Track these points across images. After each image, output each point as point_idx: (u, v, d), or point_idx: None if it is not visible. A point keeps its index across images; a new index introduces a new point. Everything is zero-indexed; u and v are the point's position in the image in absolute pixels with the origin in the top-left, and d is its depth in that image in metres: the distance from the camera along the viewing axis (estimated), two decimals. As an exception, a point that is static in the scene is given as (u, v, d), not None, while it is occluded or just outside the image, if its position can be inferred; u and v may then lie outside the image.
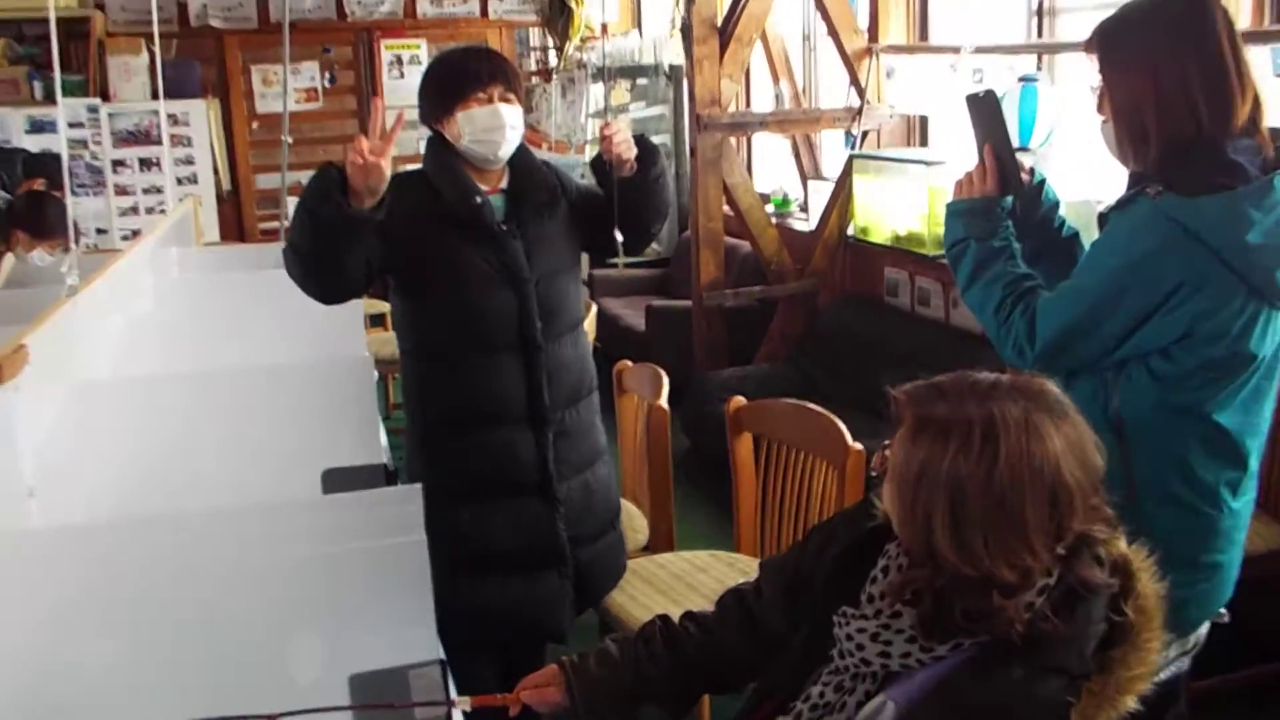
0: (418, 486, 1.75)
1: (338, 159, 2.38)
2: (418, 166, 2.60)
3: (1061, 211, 2.15)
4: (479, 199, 2.54)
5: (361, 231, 2.33)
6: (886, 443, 1.49)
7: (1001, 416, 1.38)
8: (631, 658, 1.76)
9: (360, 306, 3.18)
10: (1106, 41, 1.90)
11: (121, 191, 7.24)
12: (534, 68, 8.29)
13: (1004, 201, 2.03)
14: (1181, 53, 1.81)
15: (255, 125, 8.00)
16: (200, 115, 7.50)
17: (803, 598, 1.64)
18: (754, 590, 1.77)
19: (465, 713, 1.74)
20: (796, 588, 1.67)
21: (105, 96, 7.22)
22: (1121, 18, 1.90)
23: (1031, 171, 2.11)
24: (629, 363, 3.36)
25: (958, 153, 4.68)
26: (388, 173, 2.29)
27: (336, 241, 2.34)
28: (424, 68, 9.04)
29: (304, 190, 2.33)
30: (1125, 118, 1.87)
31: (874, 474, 1.52)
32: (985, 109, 2.06)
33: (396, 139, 2.29)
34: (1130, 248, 1.82)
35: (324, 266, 2.39)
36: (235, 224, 7.93)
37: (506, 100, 2.53)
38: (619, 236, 2.63)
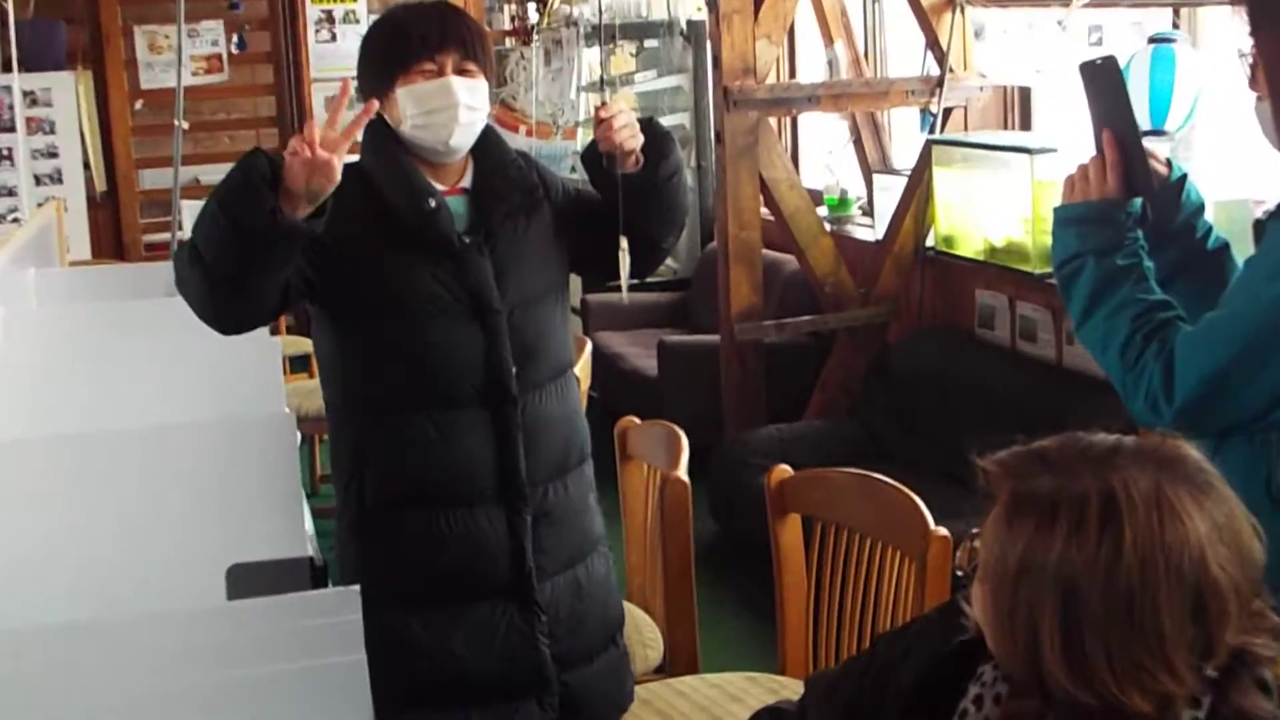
0: (356, 589, 1.77)
1: (247, 147, 2.42)
2: (353, 159, 2.61)
3: (1208, 216, 2.15)
4: (433, 202, 2.57)
5: (290, 247, 2.36)
6: (975, 530, 1.49)
7: (1125, 491, 1.38)
8: None
9: (277, 346, 3.29)
10: None
11: (-38, 194, 7.30)
12: (508, 26, 8.36)
13: (1130, 205, 2.04)
14: None
15: (139, 105, 8.08)
16: (67, 92, 7.56)
17: None
18: (798, 714, 1.77)
19: None
20: (859, 714, 1.66)
21: (-56, 70, 7.31)
22: None
23: (1169, 164, 2.12)
24: (635, 419, 3.36)
25: (1071, 137, 4.68)
26: (338, 175, 2.32)
27: (256, 258, 2.35)
28: (361, 26, 9.07)
29: (221, 186, 2.34)
30: None
31: (960, 572, 1.53)
32: (1104, 81, 2.07)
33: (358, 132, 2.39)
34: None
35: (233, 288, 2.40)
36: (112, 235, 7.99)
37: (465, 72, 2.57)
38: (624, 252, 2.65)
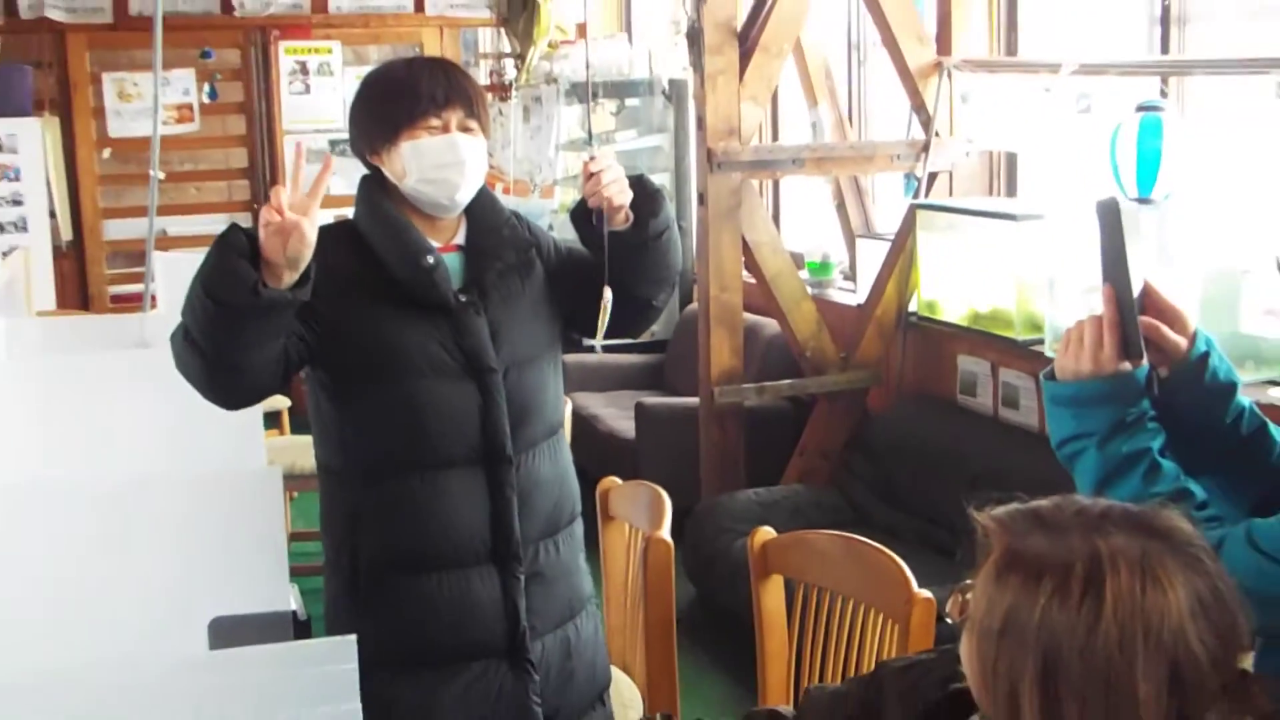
0: (352, 639, 1.80)
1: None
2: (342, 214, 2.70)
3: (1243, 397, 1.92)
4: (431, 259, 2.61)
5: (281, 319, 2.40)
6: (969, 582, 1.52)
7: (1111, 555, 1.41)
8: None
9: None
10: None
11: (-80, 241, 7.28)
12: (485, 81, 8.47)
13: (1137, 375, 1.85)
14: None
15: (107, 153, 8.12)
16: (33, 139, 7.59)
17: None
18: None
19: None
20: None
21: (-97, 112, 7.31)
22: None
23: (1193, 338, 1.90)
24: (617, 480, 3.44)
25: (1056, 203, 4.82)
26: (313, 237, 2.35)
27: (247, 333, 2.38)
28: (335, 79, 9.01)
29: (202, 264, 2.38)
30: None
31: (949, 621, 1.55)
32: (1107, 225, 1.87)
33: (324, 189, 2.38)
34: None
35: (230, 363, 2.42)
36: (77, 286, 8.01)
37: (467, 130, 2.64)
38: (607, 305, 2.68)
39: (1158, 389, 1.89)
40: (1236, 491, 1.90)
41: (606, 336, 2.78)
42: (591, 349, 2.75)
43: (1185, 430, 1.87)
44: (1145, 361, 1.86)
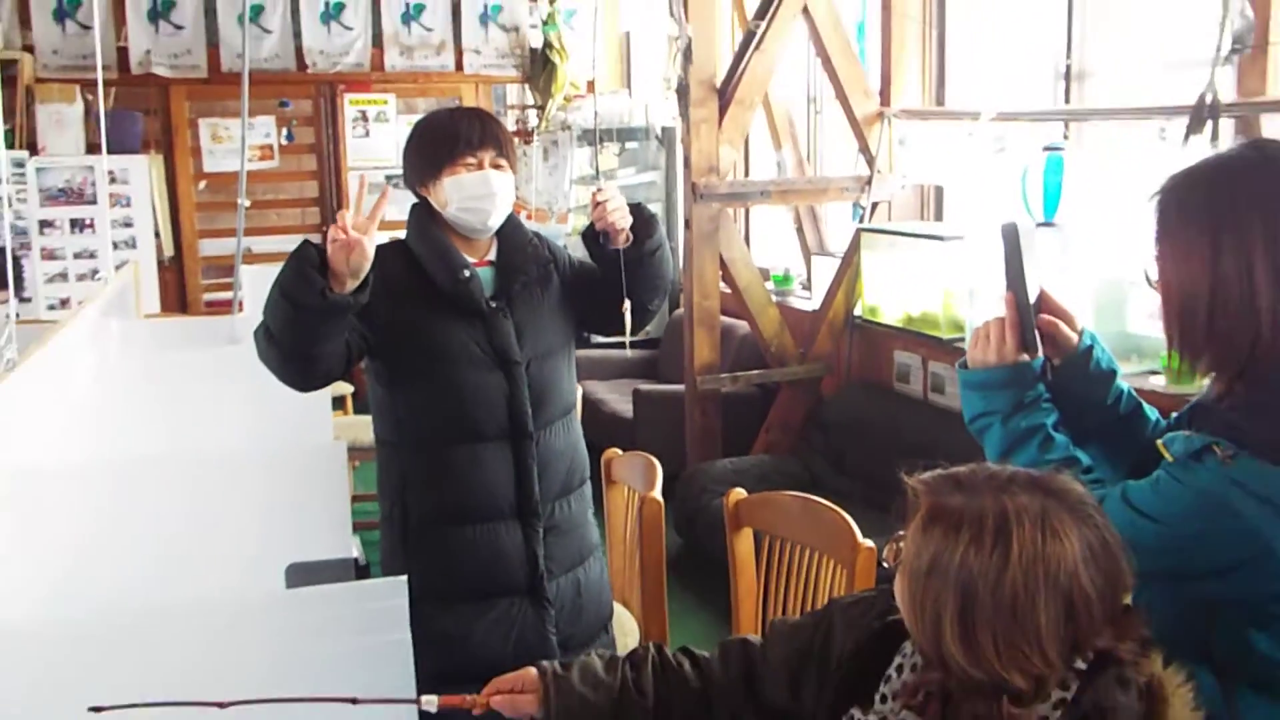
0: (403, 579, 1.80)
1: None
2: (396, 235, 2.68)
3: (1122, 382, 1.95)
4: (467, 273, 2.62)
5: (344, 318, 2.41)
6: (901, 533, 1.55)
7: (1016, 511, 1.43)
8: (618, 680, 1.82)
9: (328, 389, 3.28)
10: (1167, 199, 1.72)
11: (48, 255, 7.29)
12: (513, 128, 8.46)
13: (1033, 365, 1.87)
14: (1247, 224, 1.63)
15: (202, 185, 8.11)
16: (141, 172, 7.57)
17: (813, 672, 1.72)
18: (761, 648, 1.84)
19: (429, 713, 1.75)
20: (808, 660, 1.74)
21: (33, 149, 7.26)
22: (1190, 172, 1.71)
23: (1080, 333, 1.93)
24: (618, 451, 3.46)
25: (975, 227, 4.84)
26: (371, 252, 2.37)
27: (316, 329, 2.40)
28: (390, 125, 8.91)
29: (280, 273, 2.40)
30: (1176, 301, 1.70)
31: (886, 565, 1.58)
32: (1010, 244, 1.88)
33: (381, 214, 2.39)
34: (1185, 524, 1.65)
35: (303, 354, 2.44)
36: (177, 293, 7.99)
37: (498, 167, 2.64)
38: (629, 312, 2.70)
39: (1051, 375, 1.91)
40: (1116, 458, 1.92)
41: (610, 334, 2.79)
42: (606, 345, 2.70)
43: (1074, 408, 1.89)
44: (1040, 353, 1.89)
